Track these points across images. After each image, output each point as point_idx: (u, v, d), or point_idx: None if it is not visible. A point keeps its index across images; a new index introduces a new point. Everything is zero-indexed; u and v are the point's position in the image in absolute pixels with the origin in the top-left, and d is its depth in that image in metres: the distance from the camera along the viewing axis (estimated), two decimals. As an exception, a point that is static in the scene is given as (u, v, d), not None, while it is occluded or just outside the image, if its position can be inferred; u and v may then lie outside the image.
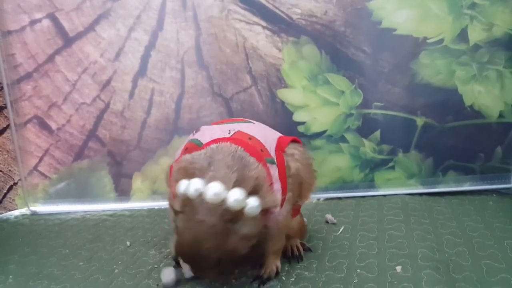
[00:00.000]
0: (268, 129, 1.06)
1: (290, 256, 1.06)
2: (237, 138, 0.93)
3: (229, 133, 0.96)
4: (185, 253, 0.85)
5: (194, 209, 0.82)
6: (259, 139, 0.95)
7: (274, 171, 0.92)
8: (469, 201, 1.35)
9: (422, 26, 1.39)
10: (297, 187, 0.98)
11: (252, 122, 1.07)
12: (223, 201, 0.81)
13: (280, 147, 0.97)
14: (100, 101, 1.58)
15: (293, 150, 1.00)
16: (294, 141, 1.04)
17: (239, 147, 0.90)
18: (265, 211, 0.88)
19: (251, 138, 0.94)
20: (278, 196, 0.91)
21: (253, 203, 0.83)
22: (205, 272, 0.88)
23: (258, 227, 0.87)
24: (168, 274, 0.99)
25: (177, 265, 1.03)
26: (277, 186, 0.91)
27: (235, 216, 0.82)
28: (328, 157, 1.51)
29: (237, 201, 0.81)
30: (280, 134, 1.05)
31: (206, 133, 0.99)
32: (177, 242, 0.86)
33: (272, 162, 0.92)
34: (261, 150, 0.93)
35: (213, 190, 0.81)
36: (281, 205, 0.93)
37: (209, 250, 0.81)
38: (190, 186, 0.83)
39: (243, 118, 1.46)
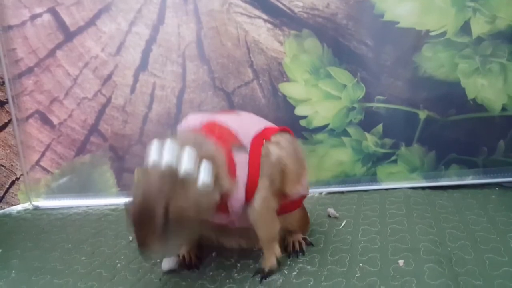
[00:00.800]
0: (256, 120, 1.06)
1: (291, 251, 1.06)
2: (205, 127, 0.94)
3: (200, 122, 0.97)
4: (135, 207, 0.82)
5: (150, 169, 0.84)
6: (233, 128, 0.95)
7: (241, 158, 0.91)
8: (471, 195, 1.34)
9: (424, 19, 1.38)
10: (278, 175, 0.96)
11: (239, 114, 1.08)
12: (177, 158, 0.82)
13: (263, 135, 0.97)
14: (101, 96, 1.58)
15: (279, 138, 0.99)
16: (285, 130, 1.03)
17: (202, 135, 0.91)
18: (223, 199, 0.88)
19: (221, 127, 0.94)
20: (241, 182, 0.91)
21: (205, 166, 0.83)
22: (149, 238, 0.81)
23: (210, 200, 0.85)
24: (168, 261, 1.03)
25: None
26: (242, 172, 0.91)
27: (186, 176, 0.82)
28: (330, 151, 1.51)
29: (190, 157, 0.82)
30: (272, 125, 1.04)
31: (183, 123, 1.01)
32: (131, 195, 0.84)
33: (241, 149, 0.92)
34: (229, 137, 0.93)
35: (169, 145, 0.83)
36: (251, 192, 0.93)
37: (156, 197, 0.80)
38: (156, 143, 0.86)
39: (244, 112, 1.46)
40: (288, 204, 1.02)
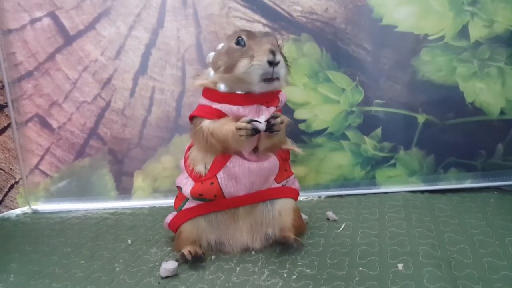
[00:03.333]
0: None
1: (282, 242, 1.09)
2: None
3: None
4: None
5: None
6: None
7: None
8: (470, 199, 1.35)
9: (423, 23, 1.39)
10: None
11: None
12: None
13: None
14: (101, 100, 1.58)
15: None
16: None
17: None
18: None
19: None
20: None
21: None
22: (272, 41, 1.06)
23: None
24: (168, 265, 1.04)
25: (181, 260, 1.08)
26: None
27: None
28: (329, 155, 1.51)
29: None
30: None
31: None
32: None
33: None
34: None
35: None
36: None
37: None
38: None
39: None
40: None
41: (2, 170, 1.64)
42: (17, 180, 1.68)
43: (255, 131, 1.01)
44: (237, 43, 1.07)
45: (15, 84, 1.59)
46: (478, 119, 1.41)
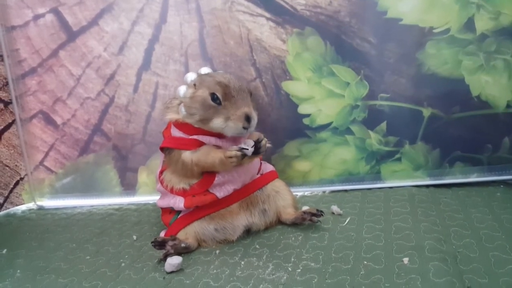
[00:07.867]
0: None
1: (307, 217, 1.19)
2: None
3: None
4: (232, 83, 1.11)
5: None
6: None
7: None
8: (476, 193, 1.34)
9: (428, 16, 1.37)
10: None
11: None
12: None
13: None
14: (104, 96, 1.58)
15: None
16: None
17: None
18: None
19: None
20: None
21: None
22: (247, 101, 1.10)
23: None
24: (173, 260, 1.04)
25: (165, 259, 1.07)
26: None
27: None
28: (333, 150, 1.50)
29: None
30: None
31: None
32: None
33: None
34: None
35: None
36: None
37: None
38: None
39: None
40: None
41: (7, 166, 1.65)
42: (22, 176, 1.69)
43: (244, 156, 1.07)
44: (212, 99, 1.10)
45: (19, 80, 1.60)
46: (484, 113, 1.40)
